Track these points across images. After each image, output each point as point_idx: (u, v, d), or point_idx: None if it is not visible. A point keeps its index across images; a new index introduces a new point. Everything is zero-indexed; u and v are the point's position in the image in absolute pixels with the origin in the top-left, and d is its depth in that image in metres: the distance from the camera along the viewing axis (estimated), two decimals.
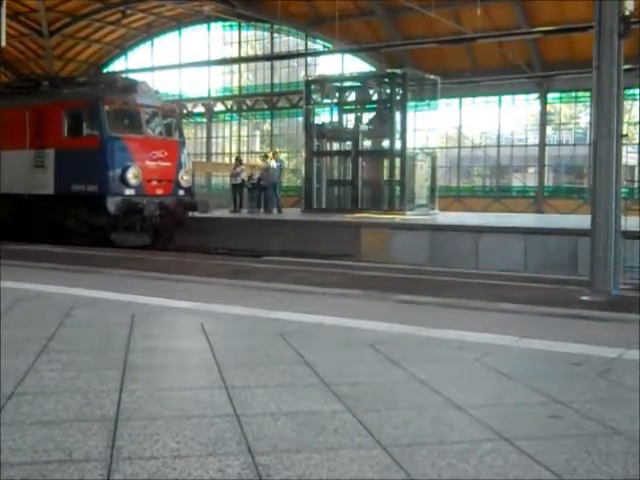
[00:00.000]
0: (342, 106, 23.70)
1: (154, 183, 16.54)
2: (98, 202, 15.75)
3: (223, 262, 11.52)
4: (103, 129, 15.92)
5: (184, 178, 17.28)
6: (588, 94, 24.90)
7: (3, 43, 12.18)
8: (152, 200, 16.08)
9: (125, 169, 15.86)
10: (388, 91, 22.33)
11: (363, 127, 22.52)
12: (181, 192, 17.18)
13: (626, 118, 24.25)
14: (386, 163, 22.03)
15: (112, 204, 15.66)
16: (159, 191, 16.64)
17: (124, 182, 15.85)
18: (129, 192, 15.95)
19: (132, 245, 15.48)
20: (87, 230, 15.97)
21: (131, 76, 21.72)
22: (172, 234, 17.00)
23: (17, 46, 37.49)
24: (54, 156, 16.42)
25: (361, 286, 7.54)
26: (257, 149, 37.32)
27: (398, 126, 21.23)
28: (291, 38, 35.56)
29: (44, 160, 16.52)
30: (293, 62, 35.19)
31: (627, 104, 25.06)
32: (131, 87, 16.98)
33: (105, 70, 38.68)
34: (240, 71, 37.70)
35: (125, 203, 15.73)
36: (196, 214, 17.34)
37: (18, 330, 4.43)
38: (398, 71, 22.36)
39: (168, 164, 16.94)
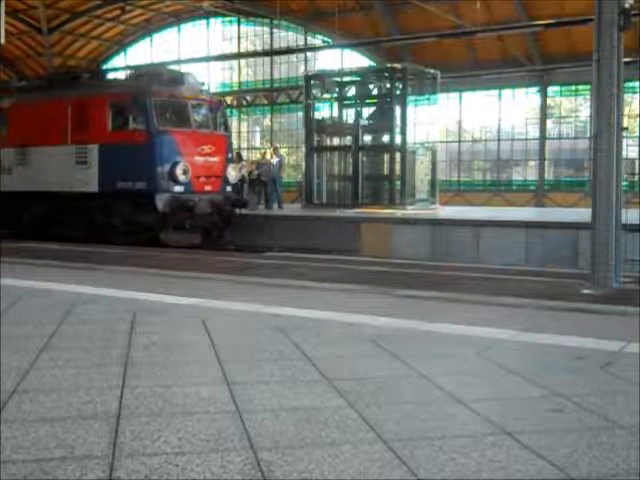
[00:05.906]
0: (342, 101, 23.68)
1: (202, 179, 15.75)
2: (146, 200, 15.00)
3: (224, 258, 11.53)
4: (151, 123, 15.15)
5: (232, 174, 16.57)
6: (588, 87, 24.84)
7: (2, 40, 12.14)
8: (203, 197, 15.47)
9: (174, 165, 15.10)
10: (388, 85, 22.29)
11: (363, 122, 22.50)
12: (228, 188, 16.51)
13: (626, 111, 24.22)
14: (386, 158, 22.01)
15: (161, 202, 14.92)
16: (207, 187, 15.89)
17: (172, 179, 15.09)
18: (178, 189, 15.20)
19: (182, 245, 14.70)
20: (135, 229, 15.25)
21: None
22: (222, 233, 16.29)
23: (16, 43, 37.46)
24: (98, 152, 15.60)
25: (362, 281, 7.54)
26: (257, 145, 37.28)
27: (398, 120, 21.22)
28: (290, 33, 35.49)
29: (87, 156, 15.74)
30: (293, 57, 35.12)
31: (627, 97, 25.03)
32: (178, 79, 16.19)
33: (105, 67, 38.61)
34: (240, 67, 37.64)
35: (175, 201, 14.99)
36: (244, 211, 16.72)
37: (20, 327, 4.43)
38: (398, 65, 22.31)
39: (216, 159, 16.18)
